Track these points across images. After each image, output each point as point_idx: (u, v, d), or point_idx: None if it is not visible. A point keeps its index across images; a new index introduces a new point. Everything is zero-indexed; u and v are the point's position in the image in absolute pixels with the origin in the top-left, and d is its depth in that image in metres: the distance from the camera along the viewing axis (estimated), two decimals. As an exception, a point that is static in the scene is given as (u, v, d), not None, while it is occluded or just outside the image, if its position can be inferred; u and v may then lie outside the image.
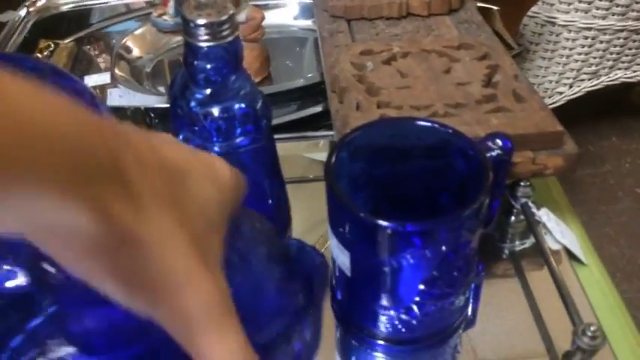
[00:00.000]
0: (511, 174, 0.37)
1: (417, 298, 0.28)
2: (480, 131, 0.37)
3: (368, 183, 0.32)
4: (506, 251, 0.40)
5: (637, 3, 1.17)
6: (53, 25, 0.72)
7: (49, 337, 0.17)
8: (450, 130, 0.30)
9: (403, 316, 0.29)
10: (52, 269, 0.17)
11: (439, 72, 0.44)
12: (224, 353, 0.17)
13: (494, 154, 0.32)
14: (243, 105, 0.34)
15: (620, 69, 1.28)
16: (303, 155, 0.51)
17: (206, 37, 0.31)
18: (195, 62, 0.32)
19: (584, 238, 0.40)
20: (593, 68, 1.26)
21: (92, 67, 0.65)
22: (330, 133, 0.47)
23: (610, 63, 1.26)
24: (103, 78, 0.60)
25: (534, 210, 0.39)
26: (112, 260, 0.16)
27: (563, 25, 1.20)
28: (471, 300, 0.32)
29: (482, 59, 0.45)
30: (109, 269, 0.16)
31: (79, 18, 0.74)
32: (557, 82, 1.28)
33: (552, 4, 1.19)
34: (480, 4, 0.62)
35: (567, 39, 1.22)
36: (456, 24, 0.55)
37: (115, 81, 0.59)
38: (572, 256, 0.39)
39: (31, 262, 0.17)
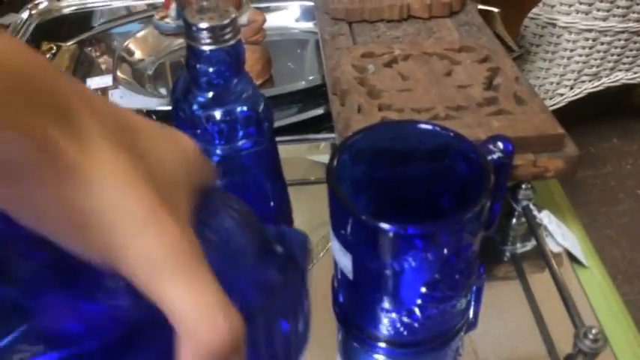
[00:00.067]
0: (512, 177, 0.37)
1: (419, 301, 0.28)
2: (481, 134, 0.37)
3: (370, 185, 0.32)
4: (508, 254, 0.40)
5: (637, 5, 1.17)
6: (55, 28, 0.72)
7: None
8: (452, 133, 0.30)
9: (405, 319, 0.29)
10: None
11: (440, 75, 0.44)
12: (193, 303, 0.15)
13: (495, 156, 0.32)
14: (245, 108, 0.34)
15: (621, 70, 1.28)
16: (304, 157, 0.51)
17: (208, 41, 0.31)
18: (198, 66, 0.32)
19: (585, 240, 0.40)
20: (594, 70, 1.26)
21: (94, 70, 0.65)
22: (332, 135, 0.47)
23: (611, 64, 1.26)
24: (105, 80, 0.60)
25: (535, 212, 0.39)
26: (58, 198, 0.14)
27: (564, 27, 1.20)
28: (473, 302, 0.32)
29: (483, 62, 0.46)
30: (56, 208, 0.15)
31: (81, 20, 0.74)
32: (558, 83, 1.28)
33: (553, 6, 1.19)
34: (480, 7, 0.62)
35: (568, 41, 1.22)
36: (457, 26, 0.55)
37: (117, 83, 0.59)
38: (573, 258, 0.39)
39: None
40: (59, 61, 0.64)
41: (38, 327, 0.15)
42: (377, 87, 0.43)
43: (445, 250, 0.27)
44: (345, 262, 0.28)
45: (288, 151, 0.50)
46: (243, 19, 0.58)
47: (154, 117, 0.54)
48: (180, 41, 0.65)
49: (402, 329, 0.29)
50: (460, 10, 0.57)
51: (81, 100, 0.15)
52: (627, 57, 1.26)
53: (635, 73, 1.29)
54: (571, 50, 1.23)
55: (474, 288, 0.31)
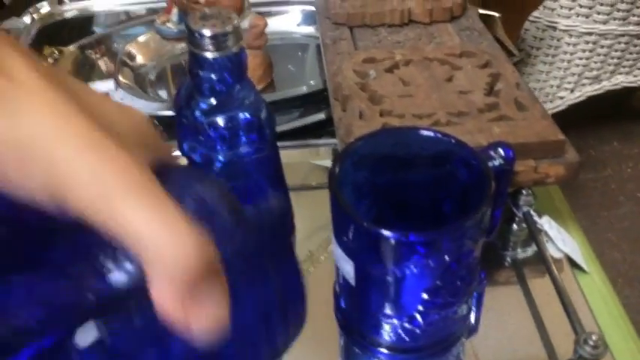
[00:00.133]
0: (513, 182, 0.37)
1: (420, 307, 0.28)
2: (482, 140, 0.37)
3: (371, 191, 0.32)
4: (509, 259, 0.41)
5: (638, 8, 1.17)
6: (57, 32, 0.73)
7: None
8: (453, 140, 0.30)
9: (406, 325, 0.29)
10: None
11: (441, 80, 0.44)
12: (151, 221, 0.14)
13: (496, 163, 0.32)
14: (247, 114, 0.34)
15: (621, 74, 1.28)
16: (305, 162, 0.51)
17: (211, 48, 0.32)
18: (201, 72, 0.33)
19: (585, 245, 0.40)
20: (595, 73, 1.26)
21: (96, 74, 0.66)
22: (333, 140, 0.47)
23: (611, 68, 1.26)
24: (107, 85, 0.60)
25: (536, 218, 0.39)
26: None
27: (565, 30, 1.21)
28: (474, 308, 0.32)
29: (484, 67, 0.46)
30: None
31: (82, 25, 0.75)
32: (558, 86, 1.29)
33: (553, 9, 1.19)
34: (481, 11, 0.62)
35: (568, 44, 1.22)
36: (458, 31, 0.55)
37: (118, 88, 0.60)
38: (573, 263, 0.39)
39: None
40: (62, 66, 0.64)
41: None
42: (378, 92, 0.43)
43: (446, 257, 0.27)
44: (347, 268, 0.28)
45: (290, 156, 0.51)
46: (245, 24, 0.58)
47: (156, 122, 0.54)
48: (181, 46, 0.65)
49: (403, 335, 0.29)
50: (461, 14, 0.58)
51: (9, 46, 0.15)
52: (627, 60, 1.26)
53: (636, 76, 1.29)
54: (571, 53, 1.23)
55: (475, 293, 0.32)
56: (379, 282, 0.28)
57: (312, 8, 0.68)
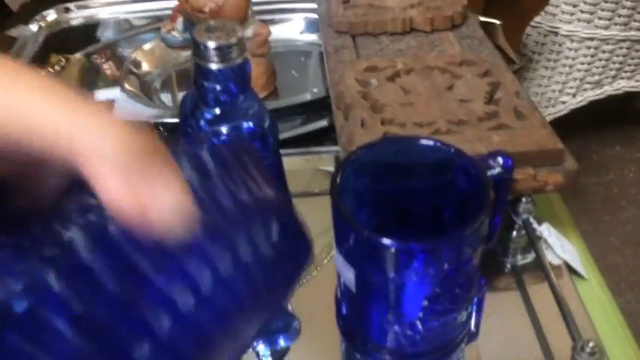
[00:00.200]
0: (512, 190, 0.38)
1: (420, 314, 0.29)
2: (482, 148, 0.37)
3: (373, 199, 0.33)
4: (509, 265, 0.41)
5: (639, 13, 1.18)
6: (64, 40, 0.74)
7: None
8: (452, 149, 0.31)
9: (407, 331, 0.29)
10: None
11: (442, 89, 0.45)
12: (75, 112, 0.14)
13: (495, 172, 0.33)
14: (251, 124, 0.35)
15: (623, 78, 1.29)
16: (308, 169, 0.52)
17: (216, 59, 0.32)
18: (205, 83, 0.33)
19: (585, 252, 0.41)
20: (596, 78, 1.26)
21: (102, 81, 0.66)
22: (336, 148, 0.48)
23: (613, 72, 1.27)
24: (113, 92, 0.61)
25: (535, 226, 0.40)
26: None
27: (566, 36, 1.21)
28: (474, 313, 0.33)
29: (484, 76, 0.46)
30: None
31: (89, 33, 0.76)
32: (560, 91, 1.29)
33: (555, 15, 1.20)
34: (482, 19, 0.63)
35: (570, 49, 1.23)
36: (459, 39, 0.56)
37: (124, 95, 0.60)
38: (572, 270, 0.39)
39: None
40: (68, 73, 0.65)
41: None
42: (380, 101, 0.44)
43: (445, 265, 0.27)
44: (348, 275, 0.29)
45: (293, 163, 0.51)
46: (249, 32, 0.59)
47: (162, 129, 0.55)
48: (186, 54, 0.66)
49: (403, 341, 0.30)
50: (462, 23, 0.58)
51: None
52: (629, 65, 1.27)
53: (637, 81, 1.30)
54: (573, 58, 1.24)
55: (475, 299, 0.32)
56: (379, 289, 0.29)
57: (315, 16, 0.69)
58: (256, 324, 0.19)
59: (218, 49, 0.32)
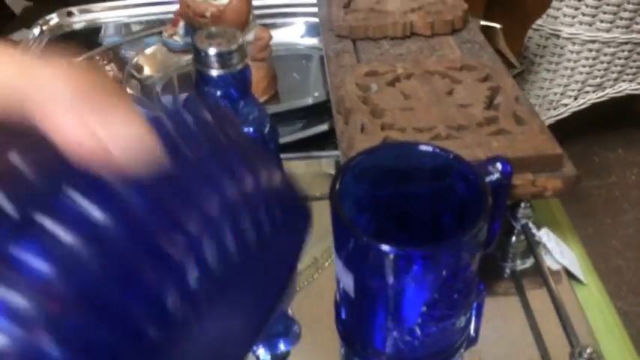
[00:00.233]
0: (511, 195, 0.38)
1: (419, 320, 0.29)
2: (481, 154, 0.38)
3: (372, 204, 0.33)
4: (508, 270, 0.41)
5: (641, 16, 1.18)
6: (66, 44, 0.74)
7: None
8: (451, 155, 0.31)
9: (405, 337, 0.30)
10: None
11: (442, 93, 0.45)
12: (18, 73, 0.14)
13: (494, 178, 0.33)
14: (251, 129, 0.35)
15: (624, 81, 1.29)
16: (309, 173, 0.52)
17: (216, 66, 0.33)
18: (206, 89, 0.34)
19: (584, 257, 0.41)
20: (598, 80, 1.26)
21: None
22: (336, 152, 0.48)
23: (615, 75, 1.27)
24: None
25: (534, 231, 0.40)
26: None
27: (568, 38, 1.21)
28: (474, 318, 0.33)
29: (484, 81, 0.46)
30: None
31: (91, 37, 0.76)
32: (562, 94, 1.29)
33: (557, 18, 1.20)
34: (482, 23, 0.63)
35: (572, 52, 1.23)
36: (459, 44, 0.56)
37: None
38: (572, 275, 0.39)
39: None
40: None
41: None
42: (380, 106, 0.44)
43: (444, 271, 0.28)
44: (348, 280, 0.29)
45: (293, 167, 0.52)
46: (250, 37, 0.59)
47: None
48: (188, 58, 0.66)
49: (402, 346, 0.30)
50: (462, 27, 0.58)
51: None
52: (631, 68, 1.27)
53: (639, 83, 1.30)
54: (575, 61, 1.24)
55: (475, 304, 0.32)
56: (378, 294, 0.29)
57: (316, 19, 0.69)
58: (259, 305, 0.18)
59: (219, 55, 0.32)
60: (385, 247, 0.26)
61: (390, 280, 0.28)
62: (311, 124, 0.57)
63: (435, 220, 0.33)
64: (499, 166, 0.33)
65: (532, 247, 0.39)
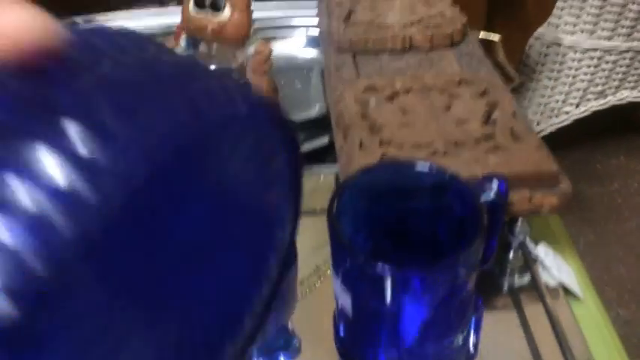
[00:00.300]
0: (508, 212, 0.38)
1: (417, 338, 0.29)
2: (478, 170, 0.38)
3: (370, 221, 0.34)
4: (506, 285, 0.41)
5: (642, 25, 1.18)
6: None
7: None
8: (448, 174, 0.31)
9: (403, 355, 0.30)
10: None
11: (440, 109, 0.46)
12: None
13: (490, 195, 0.33)
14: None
15: (626, 89, 1.29)
16: (308, 187, 0.53)
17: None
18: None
19: (582, 273, 0.41)
20: (600, 88, 1.27)
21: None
22: (336, 166, 0.49)
23: (616, 83, 1.27)
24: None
25: (531, 248, 0.40)
26: None
27: (569, 47, 1.22)
28: (472, 334, 0.33)
29: (482, 96, 0.47)
30: None
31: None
32: (563, 102, 1.29)
33: (558, 26, 1.20)
34: (482, 36, 0.63)
35: (573, 60, 1.23)
36: (458, 57, 0.56)
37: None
38: (569, 292, 0.40)
39: None
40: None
41: None
42: (378, 121, 0.44)
43: (440, 290, 0.28)
44: (346, 299, 0.30)
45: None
46: (250, 50, 0.60)
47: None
48: (189, 70, 0.67)
49: (400, 364, 0.30)
50: (461, 40, 0.59)
51: None
52: (632, 75, 1.27)
53: (641, 91, 1.30)
54: (576, 69, 1.24)
55: (473, 319, 0.33)
56: (376, 313, 0.29)
57: (317, 29, 0.70)
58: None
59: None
60: (382, 267, 0.27)
61: (388, 298, 0.28)
62: (312, 137, 0.57)
63: (432, 237, 0.34)
64: (495, 184, 0.33)
65: (529, 264, 0.40)
